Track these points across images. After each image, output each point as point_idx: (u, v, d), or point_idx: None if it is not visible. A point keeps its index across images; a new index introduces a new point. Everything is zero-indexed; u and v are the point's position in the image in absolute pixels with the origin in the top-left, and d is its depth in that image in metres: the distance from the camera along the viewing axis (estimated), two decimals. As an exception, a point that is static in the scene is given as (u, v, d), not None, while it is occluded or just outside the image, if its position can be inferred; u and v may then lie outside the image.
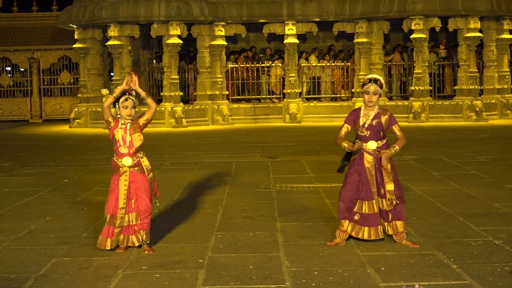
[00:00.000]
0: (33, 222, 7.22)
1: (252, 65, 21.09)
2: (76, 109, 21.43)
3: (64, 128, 20.92)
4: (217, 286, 4.92)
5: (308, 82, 21.54)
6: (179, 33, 19.83)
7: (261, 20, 20.90)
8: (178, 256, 5.74)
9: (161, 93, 20.26)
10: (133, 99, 6.00)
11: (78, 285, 5.04)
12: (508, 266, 5.23)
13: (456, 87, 20.55)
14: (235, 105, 21.00)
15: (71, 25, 21.17)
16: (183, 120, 19.80)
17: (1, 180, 10.41)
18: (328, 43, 23.00)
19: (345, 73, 21.37)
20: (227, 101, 20.86)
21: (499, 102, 20.84)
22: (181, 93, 20.27)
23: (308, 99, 21.36)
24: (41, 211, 7.81)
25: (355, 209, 6.00)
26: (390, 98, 21.07)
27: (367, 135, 5.99)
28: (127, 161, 5.92)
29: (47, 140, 17.33)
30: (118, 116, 5.98)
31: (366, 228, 5.96)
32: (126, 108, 5.95)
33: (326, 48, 22.60)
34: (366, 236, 5.96)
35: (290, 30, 20.70)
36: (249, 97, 21.31)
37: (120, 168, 5.93)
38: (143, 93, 6.09)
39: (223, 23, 20.57)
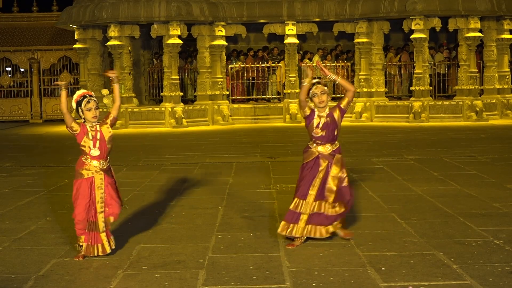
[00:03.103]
0: (34, 222, 7.22)
1: (262, 65, 21.10)
2: (76, 109, 21.42)
3: (64, 129, 20.80)
4: (217, 287, 4.92)
5: None
6: (179, 33, 19.84)
7: (261, 20, 20.90)
8: (179, 257, 5.74)
9: (162, 93, 20.27)
10: (95, 100, 5.82)
11: (78, 286, 5.04)
12: (508, 266, 5.23)
13: (456, 87, 20.55)
14: (235, 105, 21.01)
15: (71, 25, 21.17)
16: (184, 120, 19.80)
17: (2, 180, 10.42)
18: (328, 43, 23.01)
19: (350, 73, 21.36)
20: (227, 101, 20.87)
21: (500, 102, 20.84)
22: (181, 93, 20.29)
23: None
24: (42, 212, 7.81)
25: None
26: (399, 98, 21.08)
27: (324, 135, 6.03)
28: (102, 164, 5.78)
29: (47, 141, 17.34)
30: (82, 120, 5.80)
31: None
32: (90, 110, 5.75)
33: (330, 49, 22.57)
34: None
35: (291, 30, 20.70)
36: (256, 97, 21.33)
37: (89, 172, 5.75)
38: (114, 75, 5.92)
39: (223, 23, 20.58)
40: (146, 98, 22.63)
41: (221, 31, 20.56)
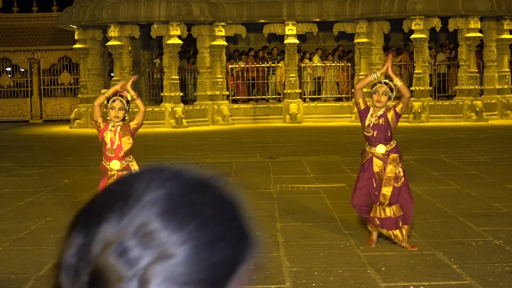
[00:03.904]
0: (34, 222, 7.22)
1: (262, 65, 21.10)
2: (77, 109, 21.45)
3: (64, 129, 20.92)
4: (217, 287, 4.91)
5: (312, 82, 21.53)
6: (179, 33, 19.84)
7: (261, 21, 20.90)
8: (179, 257, 5.72)
9: (161, 94, 20.27)
10: (122, 100, 5.79)
11: (78, 286, 5.04)
12: (508, 266, 5.22)
13: (456, 87, 20.55)
14: (235, 105, 21.01)
15: (71, 25, 21.17)
16: (184, 120, 19.80)
17: (2, 180, 10.41)
18: (328, 43, 23.00)
19: (350, 73, 21.36)
20: (227, 101, 20.88)
21: (499, 102, 20.84)
22: (181, 94, 20.29)
23: (313, 99, 21.37)
24: (42, 212, 7.80)
25: (371, 214, 5.97)
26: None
27: (374, 135, 5.97)
28: (115, 164, 5.81)
29: (47, 141, 17.33)
30: (108, 118, 5.86)
31: (384, 231, 5.94)
32: (113, 109, 5.77)
33: (331, 49, 22.57)
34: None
35: (290, 30, 20.70)
36: (256, 97, 21.33)
37: (108, 172, 5.81)
38: (132, 93, 5.91)
39: (223, 24, 20.58)
40: (146, 98, 22.62)
41: (221, 31, 20.56)
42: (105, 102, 5.81)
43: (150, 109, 20.42)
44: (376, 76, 6.09)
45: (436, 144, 14.19)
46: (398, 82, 6.16)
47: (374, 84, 6.06)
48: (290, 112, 20.65)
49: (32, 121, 24.30)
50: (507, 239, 6.07)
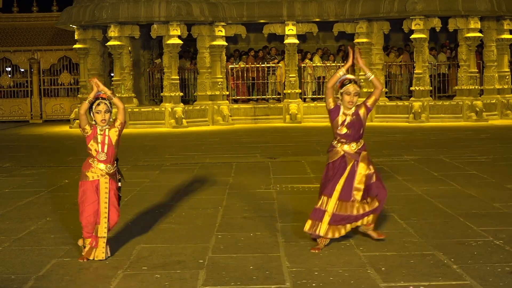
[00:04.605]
0: (34, 222, 7.22)
1: (262, 65, 21.10)
2: (77, 109, 21.42)
3: (64, 129, 20.93)
4: (217, 287, 4.91)
5: (313, 82, 21.53)
6: (179, 33, 19.84)
7: (261, 21, 20.91)
8: (179, 257, 5.73)
9: (161, 94, 20.28)
10: (106, 103, 5.73)
11: (78, 286, 5.04)
12: (508, 267, 5.22)
13: (456, 87, 20.56)
14: (235, 106, 21.02)
15: (71, 25, 21.17)
16: (183, 120, 19.80)
17: (2, 180, 10.41)
18: (328, 43, 23.01)
19: (350, 73, 21.33)
20: (227, 101, 20.88)
21: (499, 102, 20.85)
22: (181, 94, 20.29)
23: (313, 99, 21.37)
24: (42, 212, 7.80)
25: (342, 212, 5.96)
26: (399, 98, 21.08)
27: (349, 133, 5.94)
28: (109, 168, 5.73)
29: (47, 141, 17.33)
30: (94, 122, 5.77)
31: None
32: (99, 113, 5.71)
33: (332, 49, 22.56)
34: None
35: (290, 30, 20.71)
36: (257, 97, 21.33)
37: (95, 174, 5.71)
38: (108, 92, 5.84)
39: (223, 24, 20.58)
40: (146, 98, 22.64)
41: (221, 31, 20.56)
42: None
43: (150, 109, 20.45)
44: (343, 73, 6.03)
45: (436, 144, 14.19)
46: (370, 74, 6.14)
47: (343, 83, 5.93)
48: (290, 112, 20.66)
49: (32, 121, 24.32)
50: (507, 239, 6.07)
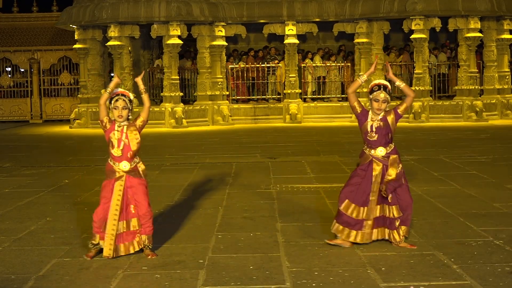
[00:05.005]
0: (34, 222, 7.22)
1: (262, 65, 21.09)
2: (77, 109, 21.46)
3: (64, 129, 20.93)
4: (217, 287, 4.91)
5: (313, 82, 21.52)
6: (179, 33, 19.84)
7: (261, 21, 20.91)
8: (179, 257, 5.73)
9: (161, 94, 20.28)
10: (125, 99, 5.77)
11: (78, 286, 5.04)
12: (508, 266, 5.22)
13: (456, 87, 20.56)
14: (235, 106, 21.02)
15: (71, 25, 21.18)
16: (183, 120, 19.80)
17: (2, 180, 10.41)
18: (328, 43, 23.01)
19: (349, 73, 21.34)
20: (227, 101, 20.88)
21: (499, 102, 20.85)
22: (181, 94, 20.29)
23: (314, 99, 21.36)
24: (42, 212, 7.80)
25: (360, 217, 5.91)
26: (399, 98, 21.07)
27: (376, 139, 5.92)
28: (124, 166, 5.79)
29: (47, 141, 17.33)
30: (113, 118, 5.83)
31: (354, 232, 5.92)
32: (117, 108, 5.74)
33: (334, 49, 22.54)
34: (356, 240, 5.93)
35: (290, 30, 20.71)
36: (257, 97, 21.32)
37: (116, 173, 5.78)
38: (142, 86, 5.95)
39: (223, 24, 20.58)
40: (146, 98, 22.59)
41: (221, 31, 20.56)
42: (107, 102, 5.80)
43: (150, 109, 20.42)
44: (364, 79, 6.03)
45: (436, 144, 14.19)
46: (400, 83, 6.13)
47: (372, 89, 5.92)
48: (290, 112, 20.66)
49: (32, 121, 24.32)
50: (507, 239, 6.07)
